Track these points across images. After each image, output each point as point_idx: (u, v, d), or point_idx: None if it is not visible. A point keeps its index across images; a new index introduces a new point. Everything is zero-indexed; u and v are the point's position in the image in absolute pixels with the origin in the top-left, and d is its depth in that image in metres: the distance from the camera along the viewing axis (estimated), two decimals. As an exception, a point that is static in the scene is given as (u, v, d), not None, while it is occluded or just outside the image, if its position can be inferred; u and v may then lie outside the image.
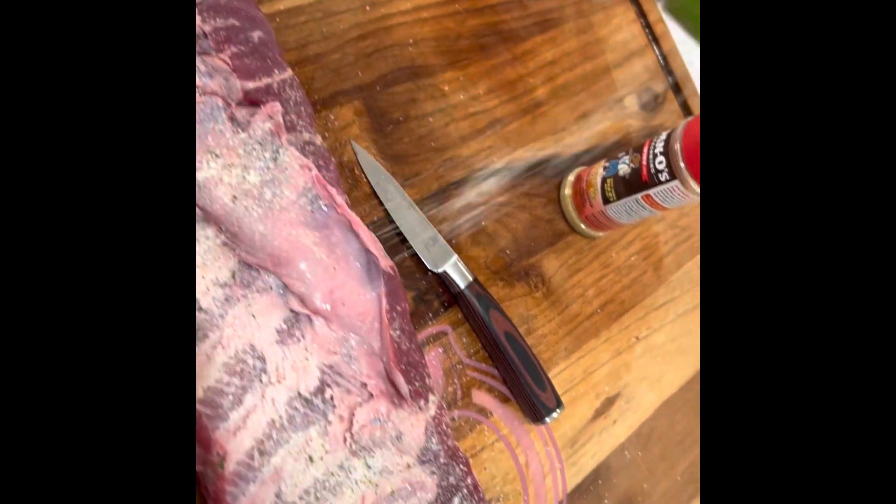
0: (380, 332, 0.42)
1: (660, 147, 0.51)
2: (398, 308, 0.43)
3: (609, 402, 0.58)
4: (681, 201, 0.51)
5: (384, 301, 0.42)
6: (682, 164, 0.49)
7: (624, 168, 0.54)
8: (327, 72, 0.50)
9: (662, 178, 0.50)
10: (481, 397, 0.51)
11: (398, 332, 0.43)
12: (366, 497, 0.40)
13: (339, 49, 0.51)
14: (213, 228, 0.40)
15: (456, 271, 0.50)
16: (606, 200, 0.55)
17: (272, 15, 0.48)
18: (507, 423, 0.51)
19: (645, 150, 0.52)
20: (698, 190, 0.49)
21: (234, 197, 0.39)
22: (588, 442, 0.55)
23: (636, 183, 0.53)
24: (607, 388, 0.58)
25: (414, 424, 0.43)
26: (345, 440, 0.40)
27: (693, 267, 0.67)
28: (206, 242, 0.40)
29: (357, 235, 0.42)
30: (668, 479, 0.60)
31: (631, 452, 0.58)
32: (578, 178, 0.59)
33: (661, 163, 0.50)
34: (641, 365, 0.61)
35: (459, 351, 0.51)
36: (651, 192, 0.52)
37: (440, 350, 0.50)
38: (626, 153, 0.55)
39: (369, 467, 0.41)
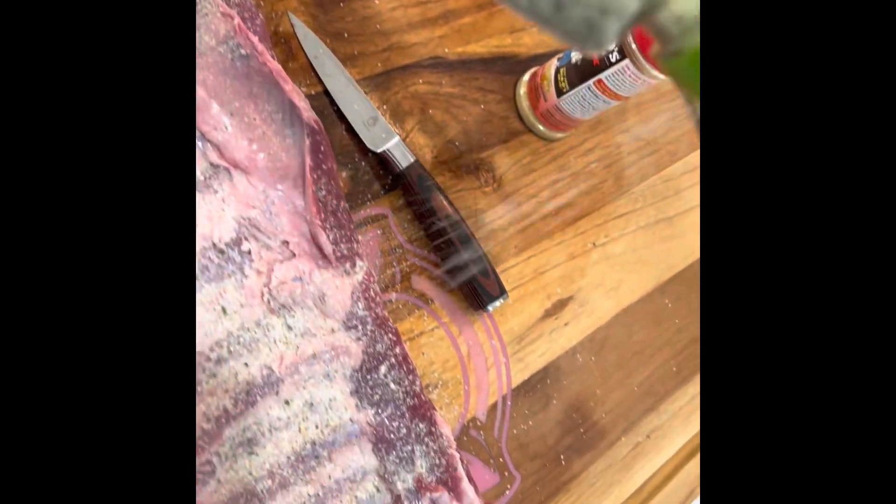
0: (303, 188, 0.40)
1: (610, 26, 0.49)
2: (324, 167, 0.41)
3: (561, 304, 0.56)
4: (632, 85, 0.49)
5: (308, 157, 0.40)
6: (631, 42, 0.47)
7: (576, 55, 0.52)
8: (264, -60, 0.48)
9: (613, 59, 0.48)
10: (422, 284, 0.49)
11: (324, 192, 0.41)
12: (284, 357, 0.39)
13: (279, -81, 0.49)
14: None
15: (398, 151, 0.48)
16: (560, 92, 0.53)
17: None
18: (448, 311, 0.50)
19: (596, 31, 0.50)
20: (649, 69, 0.47)
21: (146, 34, 0.37)
22: (537, 340, 0.53)
23: (588, 69, 0.51)
24: (559, 289, 0.56)
25: (339, 287, 0.41)
26: (262, 296, 0.39)
27: (658, 182, 0.65)
28: (119, 85, 0.38)
29: (279, 86, 0.40)
30: (624, 388, 0.58)
31: (583, 357, 0.56)
32: (534, 75, 0.57)
33: (611, 41, 0.48)
34: (598, 271, 0.59)
35: (399, 235, 0.49)
36: (602, 76, 0.50)
37: (378, 231, 0.48)
38: (579, 40, 0.53)
39: (289, 328, 0.39)
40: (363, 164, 0.48)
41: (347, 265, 0.41)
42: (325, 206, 0.41)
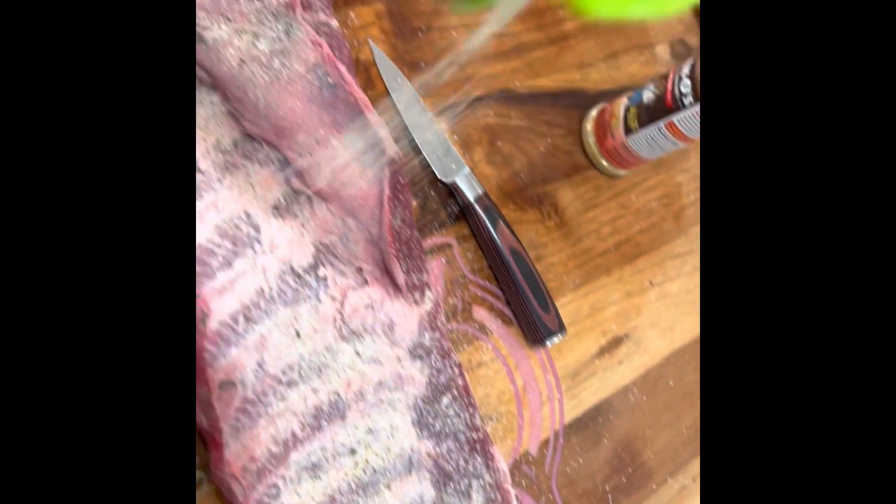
0: (380, 218, 0.41)
1: (686, 70, 0.49)
2: (400, 197, 0.42)
3: (616, 342, 0.56)
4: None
5: (387, 187, 0.41)
6: (708, 87, 0.47)
7: (648, 95, 0.52)
8: (351, -30, 0.49)
9: (686, 103, 0.49)
10: (482, 314, 0.49)
11: (399, 222, 0.42)
12: (351, 383, 0.39)
13: (366, -51, 0.50)
14: (218, 95, 0.39)
15: (466, 183, 0.49)
16: (628, 130, 0.54)
17: None
18: (506, 343, 0.50)
19: (671, 74, 0.50)
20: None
21: (242, 61, 0.39)
22: (591, 377, 0.53)
23: (660, 109, 0.51)
24: (615, 327, 0.56)
25: (408, 316, 0.41)
26: (334, 321, 0.39)
27: (716, 223, 0.65)
28: (211, 108, 0.39)
29: (364, 116, 0.41)
30: (673, 430, 0.57)
31: (635, 396, 0.55)
32: (602, 111, 0.57)
33: (686, 86, 0.48)
34: (653, 310, 0.58)
35: (463, 266, 0.49)
36: (674, 118, 0.50)
37: (443, 261, 0.48)
38: (653, 81, 0.53)
39: (358, 354, 0.40)
40: (432, 193, 0.49)
41: (417, 295, 0.42)
42: (400, 235, 0.41)
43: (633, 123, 0.53)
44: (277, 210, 0.39)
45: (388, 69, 0.49)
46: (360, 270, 0.41)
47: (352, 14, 0.48)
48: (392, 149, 0.41)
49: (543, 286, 0.49)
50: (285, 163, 0.40)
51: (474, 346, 0.48)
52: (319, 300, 0.39)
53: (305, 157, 0.40)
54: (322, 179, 0.40)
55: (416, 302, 0.42)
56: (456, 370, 0.43)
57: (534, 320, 0.49)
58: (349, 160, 0.41)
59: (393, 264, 0.41)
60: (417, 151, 0.49)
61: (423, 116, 0.49)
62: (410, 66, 0.50)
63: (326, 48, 0.41)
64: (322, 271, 0.39)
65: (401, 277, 0.41)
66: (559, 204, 0.56)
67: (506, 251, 0.48)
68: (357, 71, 0.48)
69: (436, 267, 0.48)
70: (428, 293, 0.42)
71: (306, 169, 0.40)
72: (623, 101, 0.55)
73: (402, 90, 0.49)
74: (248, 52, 0.39)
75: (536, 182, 0.55)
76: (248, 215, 0.38)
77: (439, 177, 0.48)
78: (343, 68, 0.41)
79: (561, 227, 0.55)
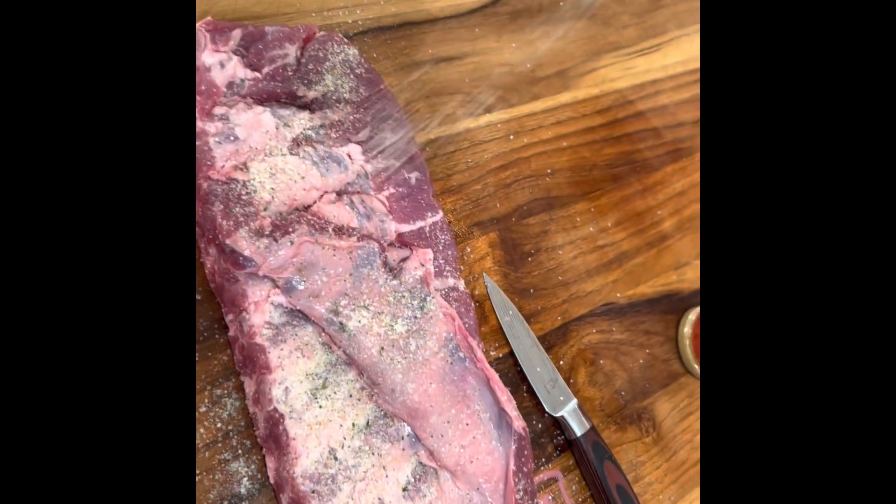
0: (504, 493, 0.41)
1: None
2: (524, 469, 0.42)
3: (709, 560, 0.55)
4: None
5: (512, 461, 0.41)
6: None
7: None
8: (468, 203, 0.50)
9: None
10: (585, 550, 0.49)
11: (521, 493, 0.42)
12: None
13: (481, 179, 0.51)
14: (353, 371, 0.40)
15: (574, 418, 0.49)
16: (731, 352, 0.53)
17: (423, 144, 0.48)
18: (608, 579, 0.49)
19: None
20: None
21: (382, 348, 0.39)
22: None
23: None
24: (709, 543, 0.55)
25: (527, 592, 0.41)
26: None
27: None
28: (347, 386, 0.40)
29: (493, 391, 0.41)
30: None
31: None
32: (699, 318, 0.57)
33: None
34: (744, 520, 0.58)
35: (568, 499, 0.49)
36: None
37: (550, 497, 0.48)
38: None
39: None
40: (539, 426, 0.49)
41: (537, 569, 0.42)
42: (521, 508, 0.41)
43: (738, 348, 0.53)
44: (407, 491, 0.40)
45: (500, 304, 0.49)
46: (483, 548, 0.41)
47: (468, 248, 0.49)
48: (520, 425, 0.42)
49: (647, 522, 0.49)
50: (415, 438, 0.40)
51: (578, 586, 0.48)
52: (446, 584, 0.39)
53: (435, 434, 0.40)
54: (451, 457, 0.40)
55: (535, 576, 0.42)
56: None
57: (637, 560, 0.48)
58: (476, 434, 0.41)
59: (516, 543, 0.41)
60: (526, 383, 0.49)
61: (532, 349, 0.49)
62: (520, 294, 0.51)
63: (458, 320, 0.41)
64: (449, 554, 0.40)
65: (523, 556, 0.41)
66: (657, 417, 0.55)
67: (612, 488, 0.48)
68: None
69: (543, 506, 0.48)
70: (547, 564, 0.42)
71: (436, 448, 0.40)
72: (726, 321, 0.54)
73: (514, 324, 0.49)
74: (387, 336, 0.39)
75: (636, 397, 0.55)
76: (381, 502, 0.39)
77: (548, 411, 0.48)
78: (475, 343, 0.41)
79: (658, 442, 0.55)
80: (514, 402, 0.42)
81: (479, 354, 0.41)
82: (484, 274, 0.49)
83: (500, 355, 0.49)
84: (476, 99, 0.52)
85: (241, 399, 0.40)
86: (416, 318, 0.40)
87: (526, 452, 0.42)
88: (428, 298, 0.41)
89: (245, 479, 0.38)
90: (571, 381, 0.52)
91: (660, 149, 0.61)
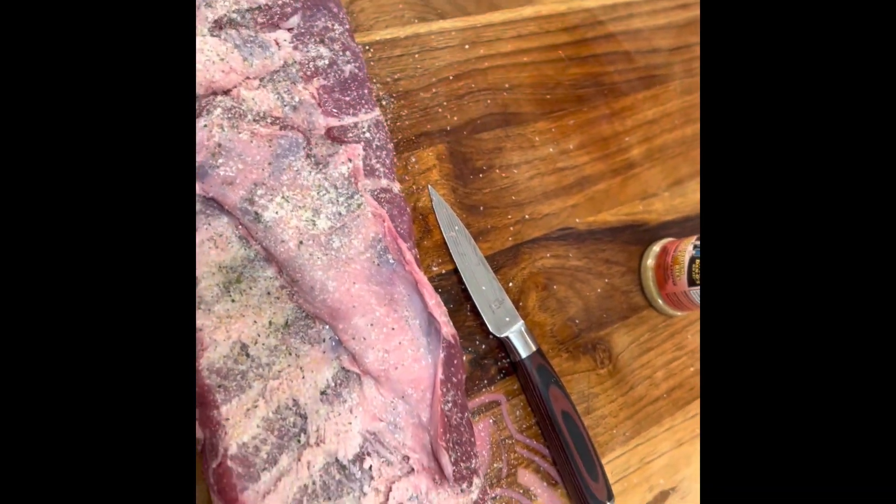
0: (431, 402, 0.39)
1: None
2: (454, 379, 0.40)
3: (662, 496, 0.53)
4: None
5: (440, 370, 0.39)
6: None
7: (717, 251, 0.49)
8: (415, 111, 0.47)
9: (760, 272, 0.46)
10: (527, 477, 0.47)
11: (450, 405, 0.40)
12: (391, 579, 0.37)
13: (431, 87, 0.48)
14: (273, 269, 0.38)
15: (519, 339, 0.46)
16: (692, 282, 0.51)
17: (367, 45, 0.46)
18: (550, 508, 0.47)
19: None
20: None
21: (301, 242, 0.37)
22: (635, 539, 0.51)
23: (729, 270, 0.48)
24: (662, 480, 0.53)
25: (453, 507, 0.39)
26: (378, 515, 0.37)
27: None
28: (265, 283, 0.38)
29: (421, 296, 0.39)
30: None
31: (679, 555, 0.53)
32: (664, 251, 0.55)
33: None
34: (703, 460, 0.56)
35: (511, 424, 0.47)
36: (745, 283, 0.47)
37: (490, 421, 0.46)
38: (722, 235, 0.50)
39: (399, 547, 0.38)
40: (483, 347, 0.47)
41: (464, 484, 0.40)
42: (450, 420, 0.39)
43: (699, 276, 0.50)
44: (326, 395, 0.38)
45: (445, 218, 0.47)
46: (406, 458, 0.39)
47: (413, 158, 0.47)
48: (450, 332, 0.39)
49: (593, 451, 0.47)
50: (337, 341, 0.38)
51: (517, 513, 0.46)
52: (364, 493, 0.37)
53: (358, 337, 0.38)
54: (374, 361, 0.38)
55: (462, 491, 0.40)
56: (499, 562, 0.40)
57: (582, 489, 0.46)
58: (403, 340, 0.39)
59: (441, 455, 0.39)
60: (470, 300, 0.47)
61: (478, 267, 0.47)
62: (468, 210, 0.48)
63: (388, 221, 0.39)
64: (368, 462, 0.38)
65: (449, 469, 0.39)
66: (613, 350, 0.53)
67: (557, 414, 0.46)
68: (414, 218, 0.46)
69: (483, 429, 0.46)
70: (476, 480, 0.40)
71: (359, 351, 0.38)
72: (689, 250, 0.52)
73: (460, 240, 0.47)
74: (308, 231, 0.37)
75: (592, 327, 0.52)
76: (295, 403, 0.37)
77: (492, 331, 0.46)
78: (405, 246, 0.39)
79: (614, 375, 0.53)
80: (444, 307, 0.40)
81: (409, 257, 0.39)
82: (429, 186, 0.47)
83: (444, 272, 0.46)
84: (429, 3, 0.49)
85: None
86: (340, 214, 0.38)
87: (455, 362, 0.40)
88: (355, 196, 0.39)
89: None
90: (521, 304, 0.49)
91: (630, 73, 0.58)
